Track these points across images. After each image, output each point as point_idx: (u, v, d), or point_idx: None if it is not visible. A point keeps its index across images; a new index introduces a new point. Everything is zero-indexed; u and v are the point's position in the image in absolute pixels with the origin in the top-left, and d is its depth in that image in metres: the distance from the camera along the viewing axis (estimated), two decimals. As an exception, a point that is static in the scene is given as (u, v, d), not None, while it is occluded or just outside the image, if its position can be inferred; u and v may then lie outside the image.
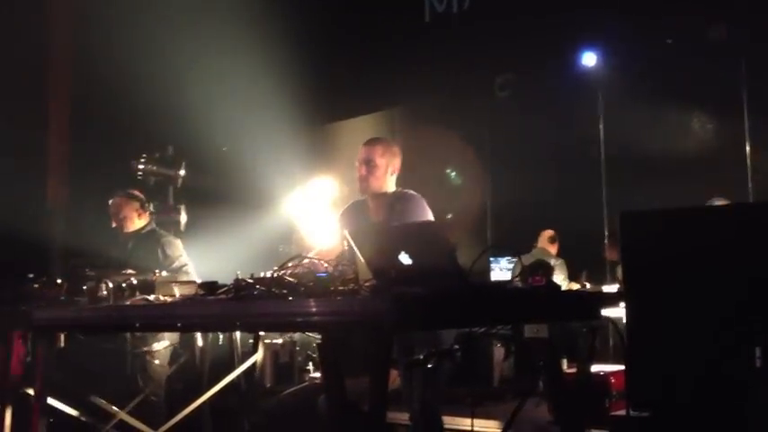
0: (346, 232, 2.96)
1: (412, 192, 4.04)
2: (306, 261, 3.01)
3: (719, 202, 5.89)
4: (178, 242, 5.41)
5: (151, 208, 5.54)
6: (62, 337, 3.60)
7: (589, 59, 9.03)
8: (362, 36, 8.10)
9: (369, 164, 3.98)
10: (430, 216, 3.86)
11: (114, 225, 5.44)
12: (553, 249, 8.39)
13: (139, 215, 5.41)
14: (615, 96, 8.76)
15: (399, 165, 4.08)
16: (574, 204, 8.73)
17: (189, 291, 3.31)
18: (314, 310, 2.54)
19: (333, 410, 2.52)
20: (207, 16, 8.07)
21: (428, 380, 3.39)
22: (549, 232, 8.33)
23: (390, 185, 4.08)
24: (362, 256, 2.78)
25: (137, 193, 5.55)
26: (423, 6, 8.41)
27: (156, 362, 4.98)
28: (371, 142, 4.06)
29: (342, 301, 2.54)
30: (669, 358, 2.96)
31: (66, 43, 8.43)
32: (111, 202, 5.52)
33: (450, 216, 7.11)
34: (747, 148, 7.48)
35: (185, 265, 5.20)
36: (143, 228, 5.41)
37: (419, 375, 3.30)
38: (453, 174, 9.96)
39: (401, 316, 2.28)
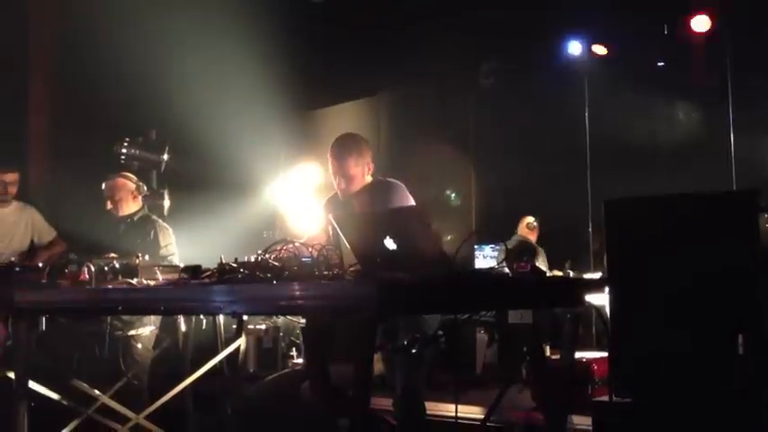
0: (331, 217, 2.95)
1: (391, 180, 3.99)
2: (290, 246, 2.99)
3: None
4: (170, 230, 5.40)
5: (144, 191, 5.53)
6: (43, 320, 3.56)
7: (575, 48, 9.04)
8: (347, 22, 8.06)
9: (345, 177, 3.89)
10: (411, 202, 3.84)
11: (110, 207, 5.43)
12: (532, 236, 8.40)
13: (134, 198, 5.43)
14: (601, 85, 8.77)
15: (371, 157, 3.99)
16: (558, 192, 8.76)
17: (172, 275, 3.28)
18: (298, 293, 2.53)
19: (316, 395, 2.51)
20: (193, 1, 8.00)
21: (411, 365, 3.39)
22: (528, 219, 8.32)
23: (368, 179, 4.02)
24: (347, 241, 2.78)
25: (131, 175, 5.56)
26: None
27: (139, 346, 4.95)
28: (341, 155, 3.89)
29: (326, 285, 2.53)
30: (652, 345, 2.97)
31: (48, 26, 8.32)
32: (105, 183, 5.51)
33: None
34: (732, 138, 7.53)
35: (173, 254, 5.19)
36: (137, 212, 5.42)
37: (402, 360, 3.29)
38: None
39: (386, 301, 2.27)
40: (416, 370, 3.44)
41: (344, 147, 3.91)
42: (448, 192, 9.74)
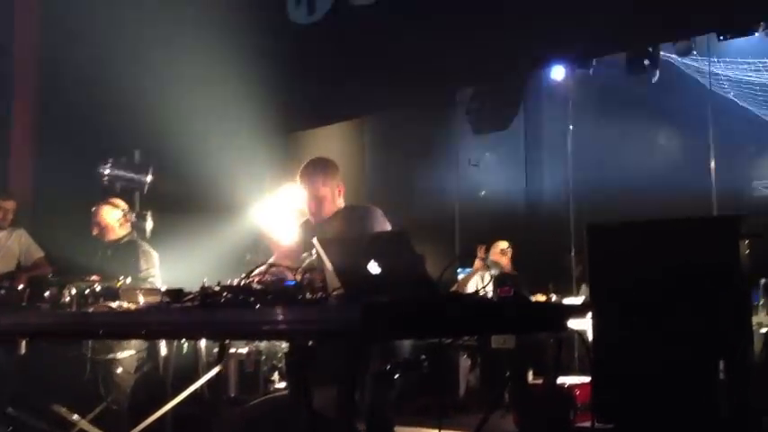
0: (315, 241, 2.94)
1: (365, 205, 4.05)
2: (274, 269, 2.98)
3: None
4: (154, 255, 5.41)
5: (133, 218, 5.57)
6: (23, 343, 3.52)
7: (557, 73, 9.12)
8: (332, 44, 8.08)
9: (314, 199, 3.94)
10: (388, 227, 3.86)
11: (95, 233, 5.48)
12: (505, 261, 8.36)
13: (121, 224, 5.48)
14: (582, 109, 8.85)
15: (341, 178, 4.04)
16: (541, 216, 8.81)
17: (154, 298, 3.26)
18: (281, 318, 2.52)
19: (300, 420, 2.49)
20: (176, 21, 8.01)
21: (379, 388, 3.35)
22: (501, 244, 8.26)
23: (341, 203, 4.05)
24: (331, 265, 2.77)
25: (120, 201, 5.62)
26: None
27: (119, 370, 4.90)
28: (310, 177, 3.96)
29: (310, 309, 2.52)
30: (635, 371, 2.98)
31: (32, 44, 8.30)
32: (93, 209, 5.57)
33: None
34: (713, 163, 7.59)
35: (153, 277, 5.19)
36: (123, 237, 5.46)
37: (371, 383, 3.23)
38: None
39: (370, 325, 2.26)
40: (386, 393, 3.42)
41: (312, 169, 3.98)
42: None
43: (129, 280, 3.90)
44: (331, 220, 3.98)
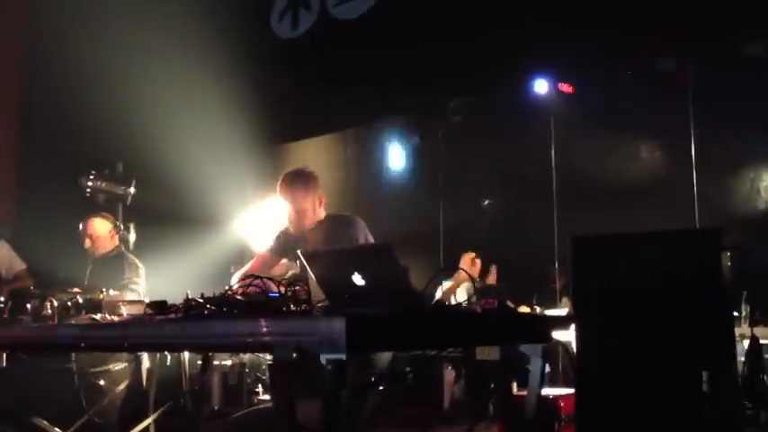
0: (299, 253, 2.94)
1: (346, 215, 4.06)
2: (257, 281, 2.97)
3: None
4: (139, 267, 5.46)
5: (121, 231, 5.71)
6: (4, 356, 3.49)
7: (541, 86, 9.16)
8: (317, 56, 8.11)
9: (296, 210, 3.96)
10: (368, 238, 3.87)
11: (88, 245, 5.56)
12: (474, 271, 8.30)
13: (112, 237, 5.59)
14: (567, 123, 8.89)
15: (321, 189, 4.06)
16: (525, 229, 8.82)
17: (137, 310, 3.24)
18: (265, 330, 2.51)
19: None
20: (161, 32, 8.00)
21: (356, 400, 3.34)
22: (469, 255, 8.20)
23: (321, 214, 4.07)
24: (315, 276, 2.77)
25: (109, 215, 5.73)
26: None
27: (102, 382, 4.87)
28: (291, 187, 3.99)
29: (294, 321, 2.51)
30: (618, 382, 2.99)
31: (14, 56, 8.27)
32: (83, 223, 5.66)
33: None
34: (695, 176, 7.64)
35: (134, 284, 5.20)
36: (112, 250, 5.56)
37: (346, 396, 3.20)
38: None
39: (355, 337, 2.26)
40: (362, 406, 3.41)
41: (292, 181, 4.00)
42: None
43: (111, 291, 3.89)
44: (313, 230, 3.98)
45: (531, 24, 6.94)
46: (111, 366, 4.91)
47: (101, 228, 5.56)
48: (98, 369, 4.84)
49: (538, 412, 3.16)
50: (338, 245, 3.78)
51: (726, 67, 7.43)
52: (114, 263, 5.43)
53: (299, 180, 4.00)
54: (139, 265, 5.50)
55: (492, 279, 8.12)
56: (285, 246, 4.10)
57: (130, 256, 5.58)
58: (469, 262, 8.34)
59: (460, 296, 7.18)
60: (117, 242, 5.61)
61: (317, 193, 4.00)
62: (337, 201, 5.72)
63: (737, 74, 7.44)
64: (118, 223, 5.70)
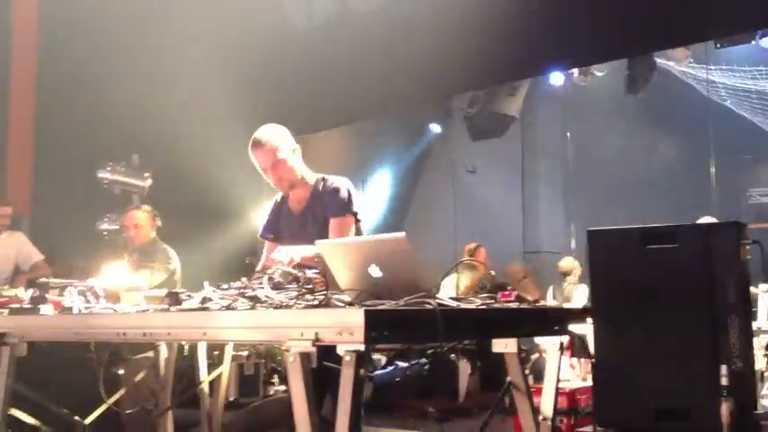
0: (317, 243, 2.94)
1: (334, 180, 3.77)
2: (275, 272, 2.98)
3: (707, 219, 5.96)
4: (171, 256, 5.60)
5: (158, 222, 5.80)
6: (24, 346, 3.52)
7: (557, 79, 9.15)
8: (332, 48, 8.10)
9: (270, 170, 3.67)
10: (353, 202, 3.68)
11: (131, 234, 5.74)
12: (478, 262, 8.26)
13: (151, 227, 5.74)
14: (582, 116, 8.86)
15: (291, 139, 3.74)
16: (540, 222, 8.82)
17: (155, 301, 3.26)
18: (282, 321, 2.52)
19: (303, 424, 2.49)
20: (176, 26, 8.02)
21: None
22: (469, 245, 8.16)
23: (303, 170, 3.79)
24: (331, 267, 2.77)
25: (149, 207, 5.89)
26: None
27: (121, 372, 4.91)
28: (254, 148, 3.67)
29: (312, 312, 2.52)
30: (636, 375, 2.98)
31: (30, 48, 8.31)
32: (124, 214, 5.92)
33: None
34: (712, 170, 7.61)
35: (150, 267, 5.39)
36: (150, 240, 5.70)
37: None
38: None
39: (373, 329, 2.27)
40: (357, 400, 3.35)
41: (256, 140, 3.68)
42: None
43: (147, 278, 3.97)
44: (295, 194, 3.80)
45: (547, 16, 6.92)
46: (130, 356, 4.95)
47: (141, 219, 5.71)
48: (118, 358, 4.87)
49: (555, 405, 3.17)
50: (322, 216, 3.68)
51: (740, 60, 7.39)
52: (149, 251, 5.58)
53: (262, 141, 3.66)
54: (170, 254, 5.62)
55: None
56: (278, 227, 3.92)
57: (164, 245, 5.71)
58: (467, 253, 8.31)
59: (464, 285, 7.17)
60: (155, 233, 5.76)
61: (287, 144, 3.68)
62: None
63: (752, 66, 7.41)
64: (156, 215, 5.79)
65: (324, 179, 3.81)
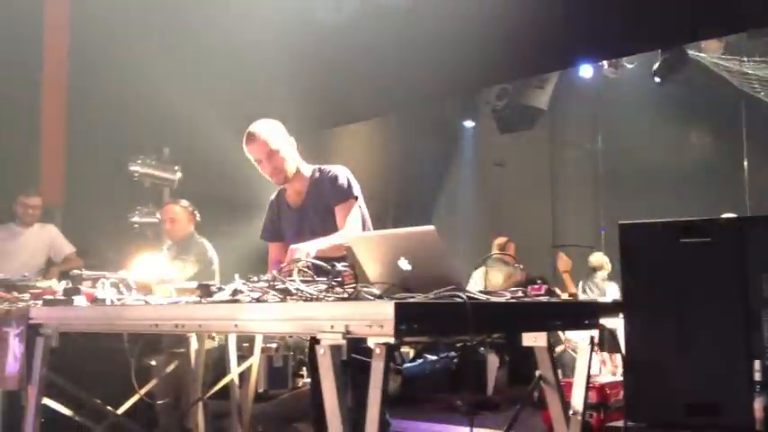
0: (348, 238, 2.95)
1: (330, 168, 3.80)
2: (304, 265, 3.00)
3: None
4: (206, 250, 5.68)
5: (197, 217, 5.88)
6: (56, 336, 3.58)
7: (586, 71, 9.07)
8: (360, 41, 8.09)
9: (265, 161, 3.73)
10: (353, 186, 3.70)
11: (167, 229, 5.86)
12: (508, 257, 8.23)
13: (189, 222, 5.82)
14: (611, 108, 8.79)
15: (284, 131, 3.81)
16: (571, 216, 8.76)
17: (187, 292, 3.29)
18: (312, 313, 2.54)
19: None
20: (208, 20, 8.07)
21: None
22: (499, 240, 8.12)
23: (299, 161, 3.83)
24: (361, 261, 2.78)
25: (188, 202, 5.95)
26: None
27: (153, 363, 4.96)
28: (248, 141, 3.76)
29: (341, 305, 2.53)
30: (667, 370, 2.96)
31: (62, 43, 8.40)
32: (164, 208, 6.02)
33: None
34: (745, 163, 7.51)
35: (182, 260, 5.46)
36: (188, 234, 5.78)
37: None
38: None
39: (403, 322, 2.27)
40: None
41: (250, 135, 3.76)
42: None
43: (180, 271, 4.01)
44: (292, 187, 3.84)
45: (577, 8, 6.86)
46: (168, 349, 4.99)
47: (177, 213, 5.78)
48: (150, 349, 4.92)
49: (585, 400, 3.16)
50: (322, 205, 3.72)
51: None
52: (184, 245, 5.66)
53: (255, 135, 3.74)
54: (206, 246, 5.69)
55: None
56: (278, 225, 3.94)
57: (201, 239, 5.77)
58: (497, 248, 8.28)
59: (495, 279, 7.15)
60: (193, 227, 5.82)
61: (279, 137, 3.75)
62: (379, 185, 5.71)
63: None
64: (194, 210, 5.86)
65: (320, 169, 3.86)
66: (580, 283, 7.78)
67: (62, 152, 8.26)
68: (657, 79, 7.81)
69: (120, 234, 7.10)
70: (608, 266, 7.86)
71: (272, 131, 3.77)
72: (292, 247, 3.39)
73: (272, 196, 4.06)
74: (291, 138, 3.85)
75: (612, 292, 7.46)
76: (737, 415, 2.82)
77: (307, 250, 3.30)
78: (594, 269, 7.96)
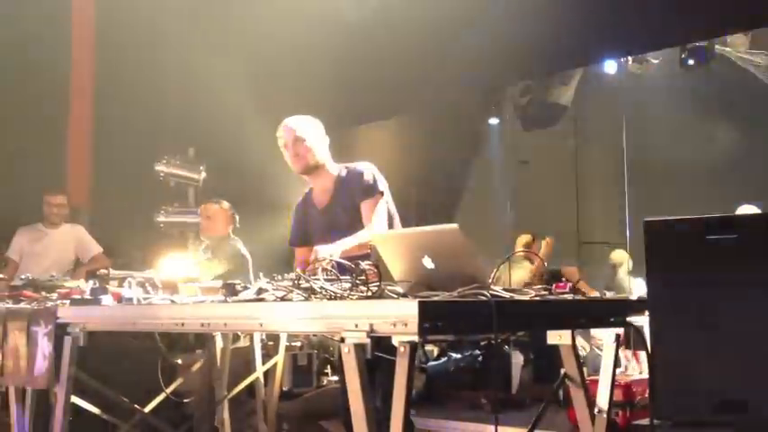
0: (372, 236, 2.95)
1: (356, 165, 3.83)
2: (329, 263, 3.00)
3: (747, 208, 5.84)
4: (238, 253, 5.61)
5: (236, 221, 5.88)
6: (84, 335, 3.62)
7: (610, 67, 9.00)
8: (382, 40, 8.08)
9: (290, 146, 3.80)
10: (378, 182, 3.72)
11: (202, 225, 5.86)
12: (533, 254, 8.16)
13: (225, 222, 5.80)
14: (636, 104, 8.71)
15: (320, 128, 3.88)
16: (596, 212, 8.70)
17: (212, 292, 3.31)
18: (337, 312, 2.54)
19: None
20: (233, 19, 8.11)
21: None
22: (524, 237, 8.06)
23: (326, 158, 3.86)
24: (385, 259, 2.78)
25: (226, 202, 5.93)
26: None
27: (179, 362, 5.00)
28: (281, 127, 3.86)
29: (366, 304, 2.53)
30: (694, 369, 2.93)
31: (89, 43, 8.48)
32: (201, 207, 6.01)
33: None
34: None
35: (209, 259, 5.48)
36: (224, 235, 5.75)
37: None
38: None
39: (428, 321, 2.27)
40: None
41: (291, 120, 3.86)
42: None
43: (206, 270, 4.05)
44: (318, 185, 3.87)
45: (601, 4, 6.81)
46: (197, 349, 5.02)
47: (213, 212, 5.78)
48: (177, 348, 4.95)
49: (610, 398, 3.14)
50: (350, 203, 3.73)
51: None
52: (215, 245, 5.64)
53: (282, 125, 3.86)
54: (238, 246, 5.64)
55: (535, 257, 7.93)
56: (306, 228, 3.96)
57: (233, 240, 5.72)
58: (523, 245, 8.22)
59: (518, 276, 7.12)
60: (230, 230, 5.79)
61: (313, 131, 3.82)
62: (403, 183, 5.69)
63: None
64: (233, 213, 5.84)
65: (346, 167, 3.89)
66: (605, 285, 7.72)
67: (89, 153, 8.34)
68: (691, 61, 7.73)
69: (145, 233, 7.16)
70: (629, 263, 7.80)
71: (304, 122, 3.87)
72: (317, 248, 3.41)
73: (299, 199, 4.06)
74: (327, 137, 3.91)
75: (636, 288, 7.40)
76: (765, 412, 2.79)
77: (331, 252, 3.31)
78: (615, 266, 7.89)
